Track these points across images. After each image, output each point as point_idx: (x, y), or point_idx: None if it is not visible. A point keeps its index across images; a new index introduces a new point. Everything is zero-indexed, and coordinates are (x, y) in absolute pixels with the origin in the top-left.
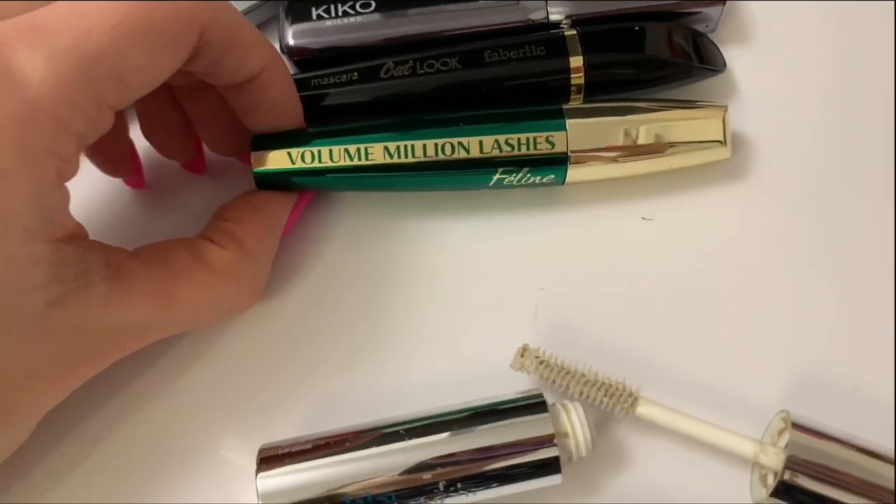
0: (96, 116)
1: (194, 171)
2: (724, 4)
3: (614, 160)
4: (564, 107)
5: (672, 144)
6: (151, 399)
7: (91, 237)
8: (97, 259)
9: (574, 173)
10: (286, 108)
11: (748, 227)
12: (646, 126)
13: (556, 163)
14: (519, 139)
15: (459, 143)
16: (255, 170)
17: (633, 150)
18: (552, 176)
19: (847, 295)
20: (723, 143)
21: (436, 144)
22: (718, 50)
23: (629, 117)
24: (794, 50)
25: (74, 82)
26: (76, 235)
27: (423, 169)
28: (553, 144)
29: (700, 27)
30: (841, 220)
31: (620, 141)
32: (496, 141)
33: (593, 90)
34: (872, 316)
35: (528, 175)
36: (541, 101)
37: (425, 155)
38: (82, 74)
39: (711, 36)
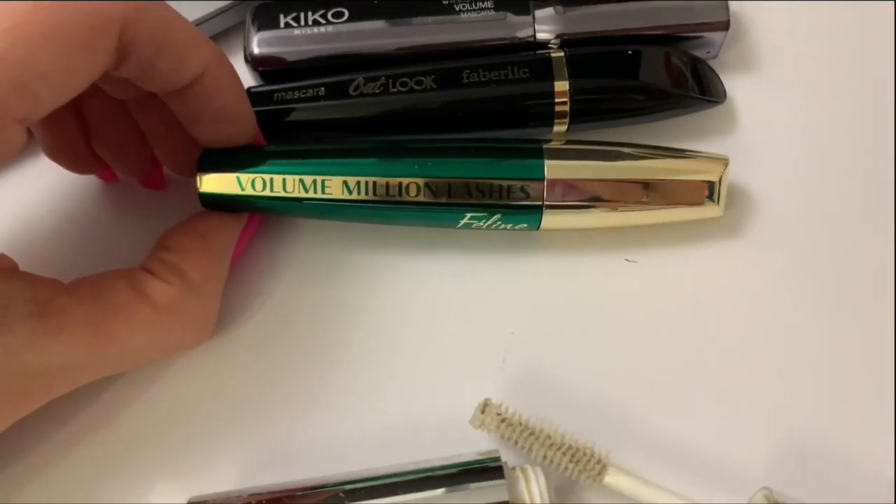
0: (1, 136)
1: (153, 187)
2: (727, 29)
3: (594, 213)
4: (545, 146)
5: (660, 202)
6: (82, 440)
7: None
8: (21, 294)
9: (549, 221)
10: (234, 116)
11: (738, 277)
12: (632, 179)
13: (530, 210)
14: (491, 186)
15: (426, 185)
16: (200, 190)
17: (616, 206)
18: (524, 225)
19: (844, 360)
20: (715, 203)
21: (399, 184)
22: (719, 79)
23: (615, 164)
24: (801, 80)
25: None
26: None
27: (384, 209)
28: (528, 195)
29: (701, 53)
30: (841, 274)
31: (603, 194)
32: (466, 185)
33: (579, 118)
34: (871, 384)
35: (499, 222)
36: (522, 125)
37: (387, 194)
38: None
39: (713, 63)
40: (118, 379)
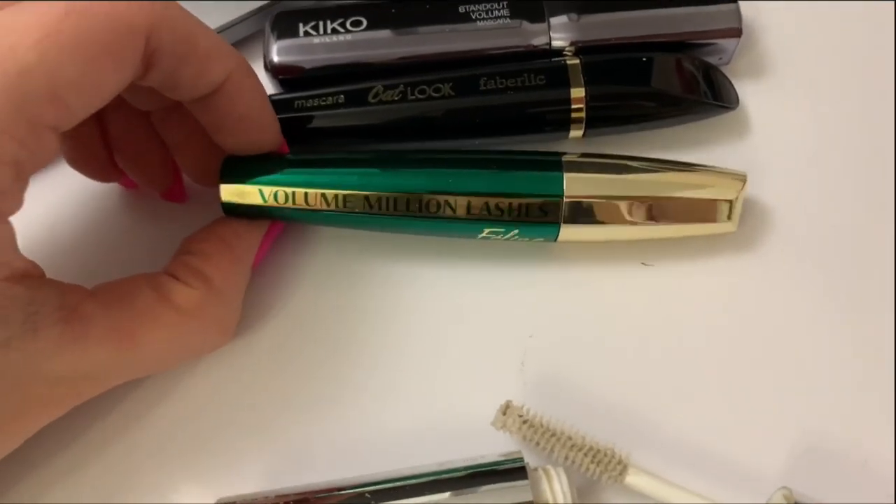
0: (33, 141)
1: (174, 200)
2: (739, 36)
3: (610, 227)
4: (564, 159)
5: (676, 219)
6: (109, 443)
7: (89, 248)
8: (49, 300)
9: (566, 234)
10: (258, 123)
11: (755, 283)
12: (650, 196)
13: (548, 225)
14: (510, 204)
15: (446, 202)
16: (223, 200)
17: (633, 222)
18: (542, 238)
19: (859, 362)
20: (729, 220)
21: (420, 200)
22: (732, 85)
23: (634, 179)
24: (813, 86)
25: (1, 105)
26: (27, 274)
27: (404, 223)
28: (546, 212)
29: (713, 60)
30: (855, 279)
31: (620, 210)
32: (486, 203)
33: (595, 124)
34: (886, 385)
35: (517, 236)
36: (538, 131)
37: (408, 210)
38: (9, 95)
39: (725, 69)
40: (143, 382)
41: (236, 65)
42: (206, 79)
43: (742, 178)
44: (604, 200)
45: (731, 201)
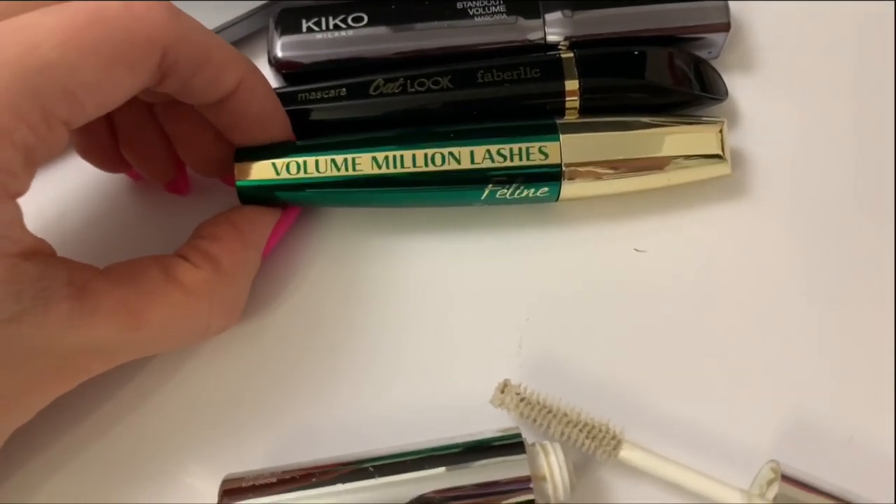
0: (45, 130)
1: (177, 192)
2: (728, 30)
3: (610, 175)
4: (558, 121)
5: (669, 159)
6: (117, 421)
7: (98, 240)
8: (59, 277)
9: (568, 189)
10: (270, 122)
11: (747, 264)
12: (642, 140)
13: (550, 177)
14: (511, 149)
15: (450, 153)
16: (237, 182)
17: (630, 165)
18: (546, 189)
19: (846, 339)
20: (722, 157)
21: (425, 155)
22: (721, 77)
23: (625, 132)
24: (801, 79)
25: (19, 93)
26: (37, 252)
27: (412, 182)
28: (546, 155)
29: (703, 53)
30: (845, 261)
31: (616, 154)
32: (488, 151)
33: (588, 115)
34: (872, 362)
35: (522, 189)
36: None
37: (414, 165)
38: (27, 86)
39: (715, 63)
40: (151, 361)
41: (247, 71)
42: (219, 86)
43: (720, 121)
44: (600, 141)
45: (718, 132)
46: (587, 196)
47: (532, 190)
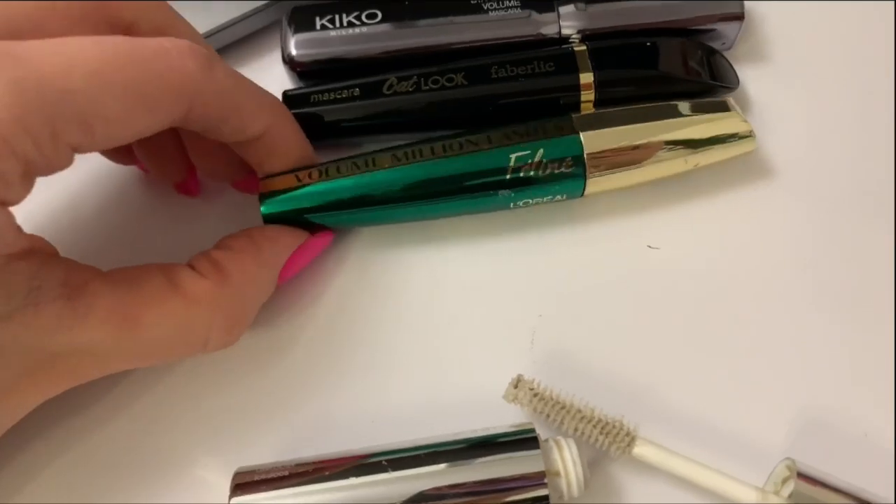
0: (51, 150)
1: (187, 193)
2: (741, 22)
3: (636, 161)
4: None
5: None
6: (128, 413)
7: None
8: (54, 277)
9: (590, 142)
10: (294, 157)
11: (760, 262)
12: (664, 124)
13: (570, 139)
14: (527, 127)
15: (468, 140)
16: (261, 192)
17: (654, 149)
18: (570, 158)
19: (860, 337)
20: (748, 130)
21: (444, 144)
22: (732, 68)
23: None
24: (812, 71)
25: (33, 109)
26: (32, 251)
27: (433, 174)
28: (562, 129)
29: (716, 45)
30: (859, 255)
31: (639, 139)
32: (504, 133)
33: (603, 107)
34: (887, 359)
35: (545, 157)
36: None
37: (433, 154)
38: (44, 105)
39: (727, 54)
40: None
41: (275, 118)
42: (245, 133)
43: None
44: (619, 127)
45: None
46: (615, 187)
47: (556, 157)
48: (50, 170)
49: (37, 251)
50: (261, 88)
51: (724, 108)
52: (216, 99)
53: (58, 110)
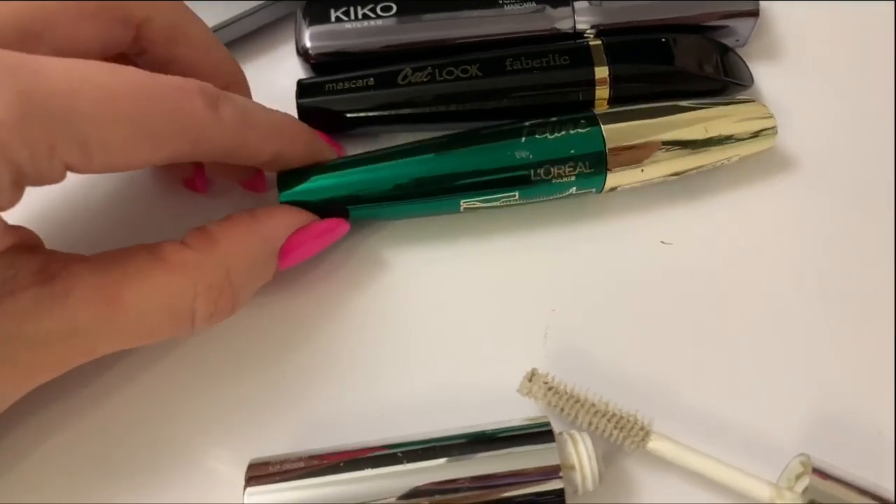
0: (45, 162)
1: (195, 190)
2: (756, 19)
3: (658, 156)
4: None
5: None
6: (140, 406)
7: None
8: (30, 265)
9: (611, 134)
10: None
11: (774, 259)
12: (688, 117)
13: (588, 115)
14: (548, 117)
15: (486, 128)
16: (281, 194)
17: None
18: (588, 131)
19: (876, 336)
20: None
21: (461, 136)
22: (746, 65)
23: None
24: (826, 69)
25: (36, 120)
26: (13, 246)
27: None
28: (583, 118)
29: (730, 41)
30: (871, 255)
31: (661, 135)
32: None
33: (617, 102)
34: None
35: (562, 131)
36: (563, 110)
37: (451, 144)
38: (48, 120)
39: (741, 51)
40: (174, 346)
41: (287, 139)
42: (256, 160)
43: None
44: (638, 119)
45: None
46: (636, 181)
47: (574, 130)
48: (40, 182)
49: (18, 246)
50: (272, 114)
51: (754, 108)
52: (222, 138)
53: (60, 127)
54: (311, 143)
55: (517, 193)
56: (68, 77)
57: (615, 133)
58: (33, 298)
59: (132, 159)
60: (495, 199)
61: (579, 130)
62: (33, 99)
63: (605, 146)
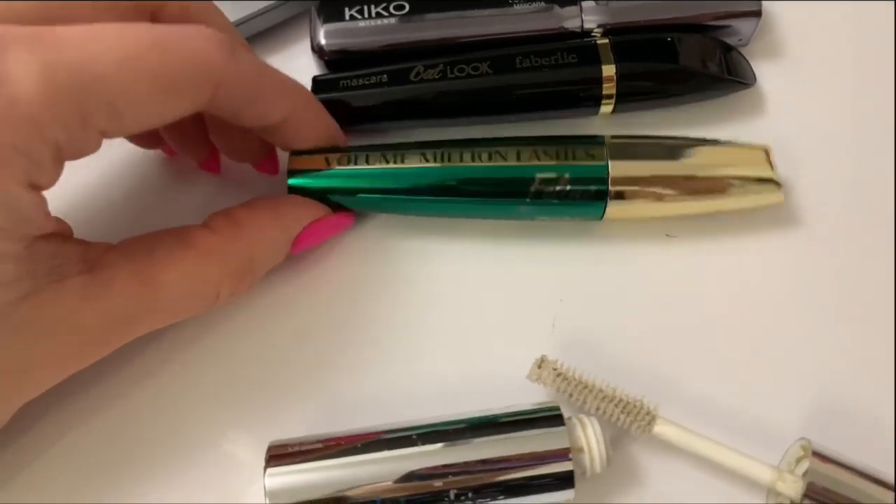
0: (80, 133)
1: (209, 171)
2: (758, 19)
3: (658, 200)
4: (606, 138)
5: (723, 180)
6: (158, 390)
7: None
8: (73, 254)
9: (617, 168)
10: (320, 140)
11: (776, 251)
12: (695, 164)
13: (596, 166)
14: (557, 149)
15: (496, 152)
16: (290, 167)
17: (681, 187)
18: (593, 187)
19: (873, 327)
20: (775, 181)
21: (472, 152)
22: (749, 64)
23: (676, 159)
24: (828, 68)
25: (64, 94)
26: (55, 234)
27: (458, 177)
28: (593, 156)
29: (733, 41)
30: (871, 246)
31: (666, 180)
32: (534, 150)
33: (624, 99)
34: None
35: (569, 180)
36: (571, 107)
37: (461, 160)
38: (75, 90)
39: (744, 50)
40: (186, 324)
41: (297, 104)
42: (268, 119)
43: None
44: (646, 157)
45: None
46: (632, 217)
47: (580, 184)
48: (79, 154)
49: (58, 234)
50: (284, 75)
51: (760, 159)
52: (240, 84)
53: (88, 96)
54: (321, 115)
55: None
56: (85, 44)
57: (619, 211)
58: (81, 286)
59: (159, 113)
60: None
61: (588, 188)
62: (57, 72)
63: (605, 212)
